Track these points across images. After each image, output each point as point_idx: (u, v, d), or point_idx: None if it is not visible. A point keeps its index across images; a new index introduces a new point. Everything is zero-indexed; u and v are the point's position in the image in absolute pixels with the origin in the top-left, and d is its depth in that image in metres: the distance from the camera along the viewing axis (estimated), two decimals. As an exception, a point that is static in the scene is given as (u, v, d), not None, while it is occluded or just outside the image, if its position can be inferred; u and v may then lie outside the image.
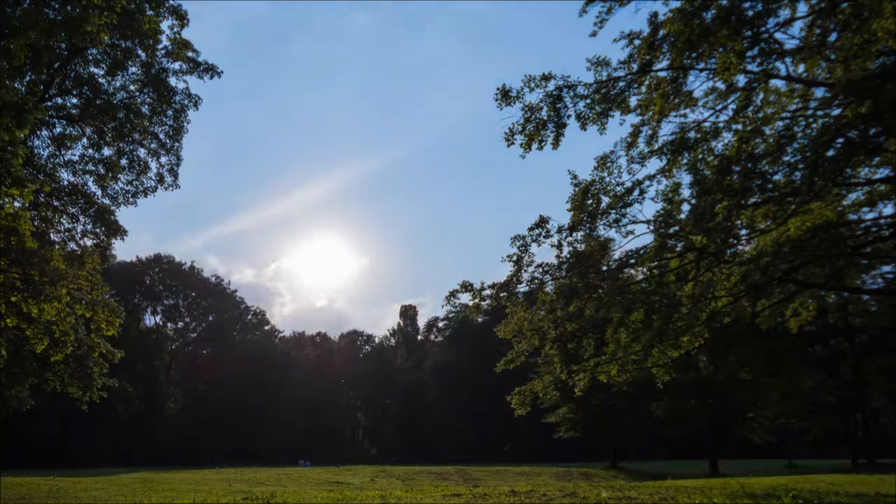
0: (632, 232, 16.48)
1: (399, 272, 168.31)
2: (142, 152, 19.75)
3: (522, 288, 17.82)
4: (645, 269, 17.04)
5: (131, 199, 19.92)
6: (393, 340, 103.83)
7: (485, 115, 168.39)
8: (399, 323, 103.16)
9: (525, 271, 17.39)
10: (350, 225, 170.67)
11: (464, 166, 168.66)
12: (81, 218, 19.10)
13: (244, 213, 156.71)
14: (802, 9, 13.12)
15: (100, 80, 18.52)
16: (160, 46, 18.54)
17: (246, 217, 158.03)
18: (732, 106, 14.58)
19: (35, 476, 22.95)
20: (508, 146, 15.17)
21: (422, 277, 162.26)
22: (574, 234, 16.79)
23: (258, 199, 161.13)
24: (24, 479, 20.52)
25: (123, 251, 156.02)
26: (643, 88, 15.11)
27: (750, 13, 12.61)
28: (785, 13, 12.94)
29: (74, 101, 18.67)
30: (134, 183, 19.88)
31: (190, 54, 19.11)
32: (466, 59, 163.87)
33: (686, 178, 15.83)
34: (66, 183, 19.08)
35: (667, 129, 15.41)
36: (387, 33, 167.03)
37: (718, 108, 15.01)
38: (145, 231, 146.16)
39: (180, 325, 79.69)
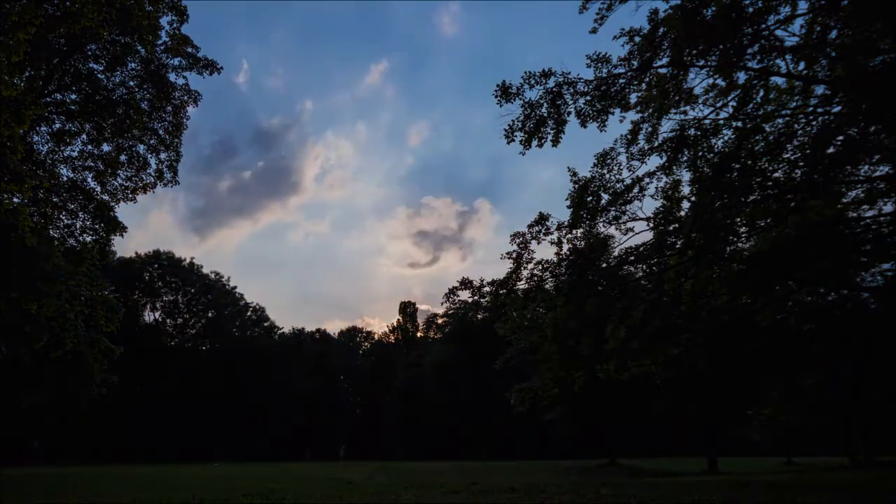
0: (632, 229, 16.54)
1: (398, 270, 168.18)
2: (141, 148, 19.78)
3: (522, 285, 17.86)
4: (644, 267, 17.06)
5: (130, 196, 19.96)
6: (392, 337, 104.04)
7: (487, 116, 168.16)
8: (398, 319, 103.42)
9: (525, 268, 17.43)
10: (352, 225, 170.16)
11: (465, 164, 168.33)
12: (81, 214, 19.13)
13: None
14: (803, 6, 13.11)
15: (99, 75, 18.51)
16: (159, 42, 18.52)
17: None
18: (733, 103, 14.58)
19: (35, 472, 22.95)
20: (508, 143, 15.21)
21: (422, 275, 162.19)
22: (574, 232, 16.83)
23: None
24: (24, 471, 20.56)
25: (122, 247, 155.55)
26: (643, 85, 15.10)
27: (750, 10, 12.60)
28: (785, 10, 12.92)
29: (74, 96, 18.68)
30: (133, 179, 19.92)
31: (189, 50, 19.08)
32: (465, 55, 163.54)
33: (686, 176, 15.88)
34: (65, 179, 19.11)
35: (667, 127, 15.43)
36: (380, 34, 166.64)
37: (719, 105, 15.00)
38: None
39: (180, 321, 79.63)
